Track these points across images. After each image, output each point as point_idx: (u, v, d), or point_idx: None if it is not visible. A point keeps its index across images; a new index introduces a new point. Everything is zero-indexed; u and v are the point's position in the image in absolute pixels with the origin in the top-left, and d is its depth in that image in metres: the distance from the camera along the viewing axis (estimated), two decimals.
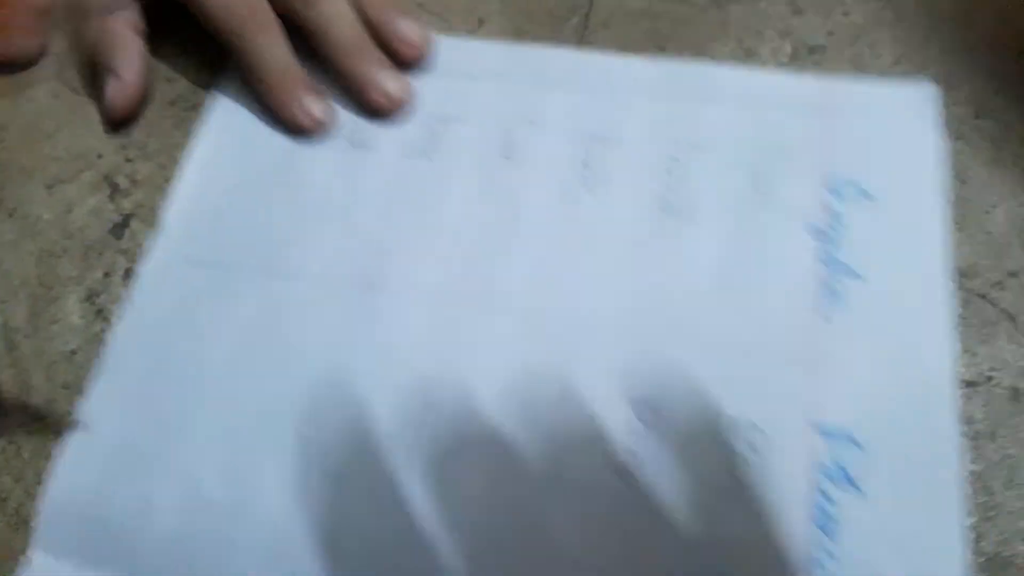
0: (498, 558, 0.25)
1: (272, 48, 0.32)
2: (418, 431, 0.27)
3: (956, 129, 0.31)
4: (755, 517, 0.24)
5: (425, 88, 0.34)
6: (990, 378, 0.27)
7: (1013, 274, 0.29)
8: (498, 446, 0.26)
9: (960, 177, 0.31)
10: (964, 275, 0.29)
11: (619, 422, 0.26)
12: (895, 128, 0.31)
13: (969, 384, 0.27)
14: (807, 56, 0.34)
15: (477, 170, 0.32)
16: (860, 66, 0.33)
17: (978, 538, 0.25)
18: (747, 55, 0.34)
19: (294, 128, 0.33)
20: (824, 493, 0.25)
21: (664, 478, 0.25)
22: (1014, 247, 0.29)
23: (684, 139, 0.31)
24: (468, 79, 0.34)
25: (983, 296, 0.29)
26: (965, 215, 0.30)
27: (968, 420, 0.27)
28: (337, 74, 0.33)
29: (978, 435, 0.26)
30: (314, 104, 0.33)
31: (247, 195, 0.32)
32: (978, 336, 0.28)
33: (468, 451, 0.27)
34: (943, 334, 0.27)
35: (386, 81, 0.32)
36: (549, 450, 0.26)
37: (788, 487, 0.25)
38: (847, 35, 0.34)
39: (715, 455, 0.26)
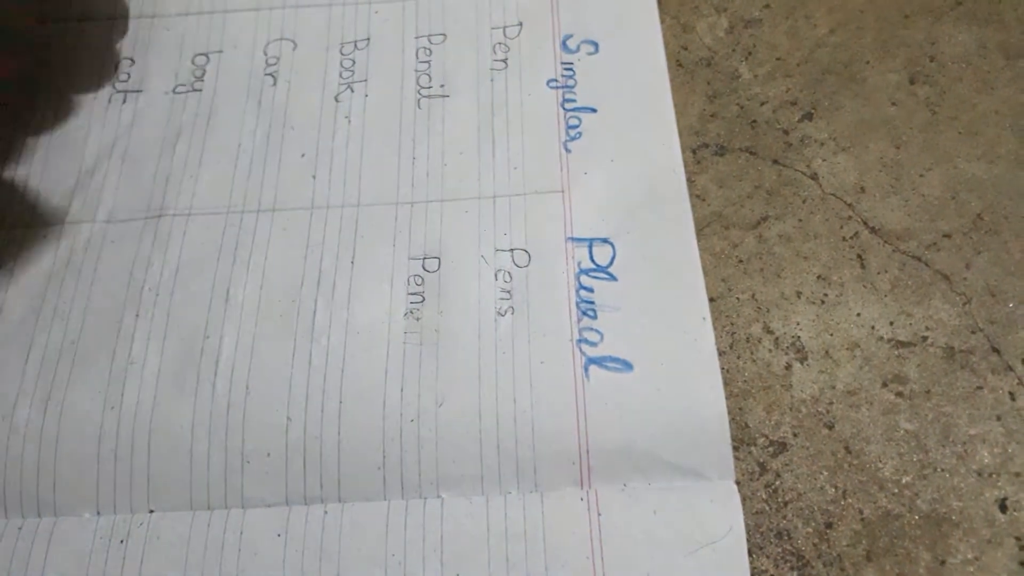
0: None
1: None
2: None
3: (891, 95, 0.32)
4: (529, 316, 0.28)
5: (185, 26, 0.36)
6: (925, 338, 0.27)
7: (947, 235, 0.29)
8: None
9: (895, 142, 0.31)
10: (899, 237, 0.29)
11: (403, 281, 0.29)
12: None
13: (904, 344, 0.27)
14: (743, 30, 0.34)
15: (245, 93, 0.34)
16: (796, 35, 0.33)
17: (914, 496, 0.25)
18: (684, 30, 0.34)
19: None
20: (584, 286, 0.28)
21: (446, 307, 0.29)
22: (948, 209, 0.29)
23: (430, 28, 0.35)
24: (222, 12, 0.36)
25: (918, 258, 0.28)
26: (899, 178, 0.30)
27: (903, 380, 0.27)
28: None
29: (913, 394, 0.26)
30: None
31: None
32: (913, 297, 0.28)
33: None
34: (671, 139, 0.31)
35: None
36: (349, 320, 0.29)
37: (555, 288, 0.28)
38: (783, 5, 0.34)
39: (487, 281, 0.29)
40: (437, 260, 0.29)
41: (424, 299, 0.29)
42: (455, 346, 0.28)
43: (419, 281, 0.29)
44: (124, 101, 0.34)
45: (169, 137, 0.33)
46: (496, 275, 0.29)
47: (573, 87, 0.32)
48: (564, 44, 0.33)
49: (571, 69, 0.33)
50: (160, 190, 0.32)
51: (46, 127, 0.34)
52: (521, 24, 0.34)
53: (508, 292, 0.28)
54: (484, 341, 0.27)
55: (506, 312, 0.28)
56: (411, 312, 0.28)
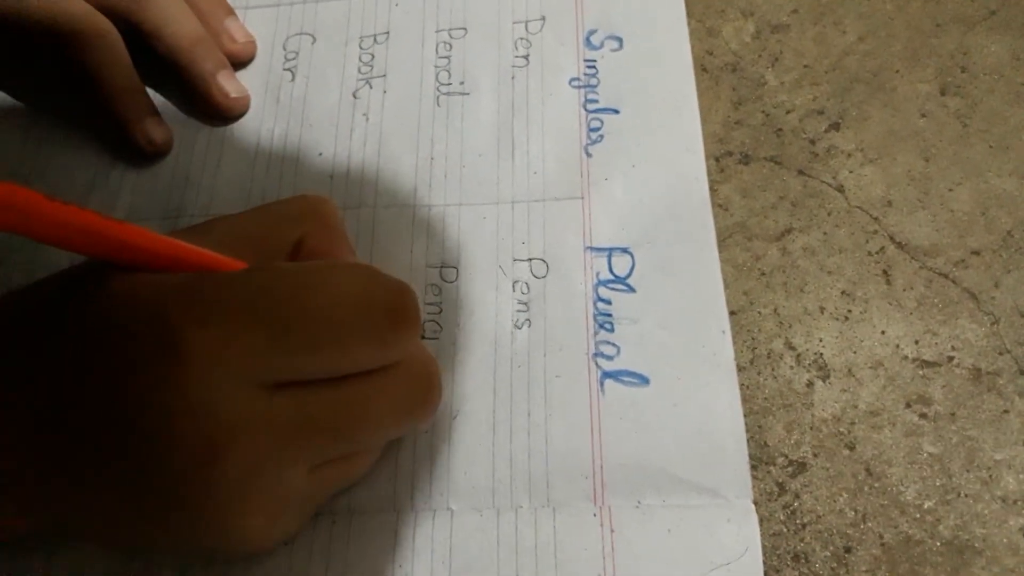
0: None
1: (115, 62, 0.31)
2: None
3: (921, 106, 0.31)
4: (546, 329, 0.27)
5: None
6: (951, 358, 0.26)
7: (976, 252, 0.28)
8: None
9: (924, 154, 0.30)
10: (926, 254, 0.28)
11: (421, 290, 0.28)
12: None
13: (929, 364, 0.26)
14: (770, 35, 0.33)
15: (264, 89, 0.34)
16: (824, 42, 0.32)
17: (936, 522, 0.24)
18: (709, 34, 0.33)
19: (133, 148, 0.32)
20: (602, 298, 0.28)
21: (463, 320, 0.28)
22: (978, 225, 0.28)
23: (451, 22, 0.34)
24: (243, 8, 0.36)
25: (945, 275, 0.28)
26: (928, 192, 0.29)
27: (927, 401, 0.26)
28: (177, 71, 0.32)
29: (937, 416, 0.26)
30: (156, 130, 0.32)
31: None
32: (940, 316, 0.27)
33: None
34: (695, 144, 0.30)
35: (226, 82, 0.32)
36: None
37: (572, 300, 0.28)
38: (811, 12, 0.33)
39: (505, 293, 0.28)
40: (455, 270, 0.29)
41: (442, 310, 0.28)
42: (471, 359, 0.27)
43: (437, 291, 0.28)
44: None
45: (188, 135, 0.33)
46: (514, 286, 0.28)
47: (596, 86, 0.32)
48: (588, 40, 0.33)
49: (594, 67, 0.32)
50: (179, 189, 0.32)
51: (63, 124, 0.34)
52: (544, 18, 0.34)
53: (525, 304, 0.28)
54: (500, 354, 0.27)
55: (523, 325, 0.28)
56: (429, 324, 0.28)
